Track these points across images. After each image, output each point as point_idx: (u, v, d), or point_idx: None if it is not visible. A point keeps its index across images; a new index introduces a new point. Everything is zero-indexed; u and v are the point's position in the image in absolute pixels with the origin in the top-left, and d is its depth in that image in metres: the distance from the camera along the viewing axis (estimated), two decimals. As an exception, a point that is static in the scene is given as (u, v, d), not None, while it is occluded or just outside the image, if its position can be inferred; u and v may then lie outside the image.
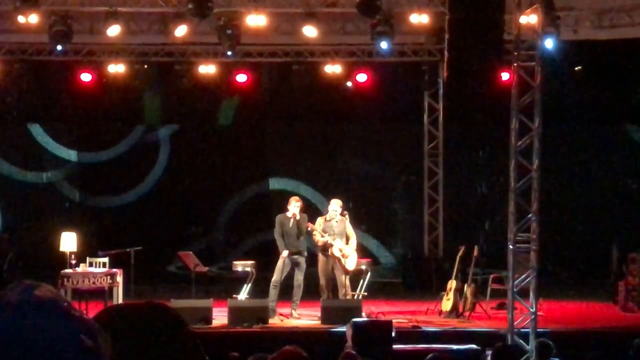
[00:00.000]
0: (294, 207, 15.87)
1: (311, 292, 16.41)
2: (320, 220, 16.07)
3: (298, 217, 15.82)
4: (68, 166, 23.94)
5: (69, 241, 16.77)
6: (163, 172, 24.07)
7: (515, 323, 13.91)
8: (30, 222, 23.37)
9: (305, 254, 16.13)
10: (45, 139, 23.77)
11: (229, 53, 19.00)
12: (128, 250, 16.76)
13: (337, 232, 15.94)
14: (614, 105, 22.65)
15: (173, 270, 22.48)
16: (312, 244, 16.38)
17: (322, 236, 15.84)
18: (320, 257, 16.11)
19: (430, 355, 5.33)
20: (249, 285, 16.36)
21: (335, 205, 16.12)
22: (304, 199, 16.29)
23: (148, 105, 22.91)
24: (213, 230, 24.03)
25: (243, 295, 16.26)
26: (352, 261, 15.95)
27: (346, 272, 15.94)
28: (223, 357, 9.82)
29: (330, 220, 16.02)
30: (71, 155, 23.96)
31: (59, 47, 18.72)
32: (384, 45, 18.96)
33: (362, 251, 16.58)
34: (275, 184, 24.20)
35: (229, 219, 24.18)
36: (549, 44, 17.71)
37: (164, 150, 24.08)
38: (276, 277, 15.86)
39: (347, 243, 15.98)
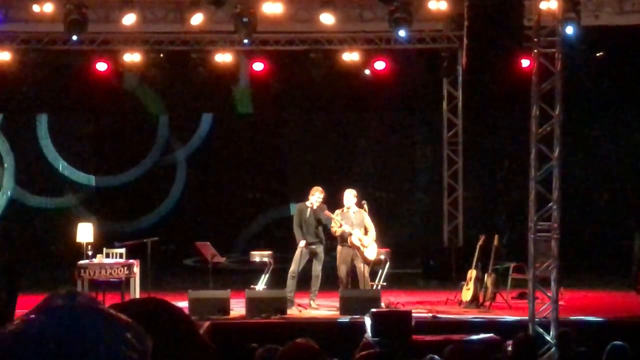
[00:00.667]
0: (317, 197, 15.75)
1: (330, 282, 16.28)
2: (337, 212, 15.92)
3: (315, 207, 15.68)
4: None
5: (85, 232, 16.66)
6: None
7: (536, 313, 13.74)
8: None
9: (324, 244, 15.98)
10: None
11: (245, 41, 18.83)
12: (145, 240, 16.63)
13: (355, 223, 15.79)
14: (637, 91, 22.38)
15: (190, 264, 22.43)
16: (331, 235, 16.19)
17: (341, 226, 15.68)
18: (340, 248, 15.96)
19: (450, 347, 5.14)
20: (267, 275, 16.23)
21: (350, 194, 15.98)
22: (322, 188, 16.08)
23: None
24: (231, 220, 23.97)
25: (261, 285, 16.14)
26: (372, 251, 15.80)
27: (366, 261, 15.79)
28: (241, 347, 9.70)
29: (347, 212, 15.88)
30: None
31: (74, 37, 18.61)
32: (402, 33, 18.79)
33: (381, 241, 16.40)
34: (293, 174, 24.04)
35: (246, 213, 24.10)
36: (570, 30, 17.49)
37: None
38: (294, 267, 15.74)
39: (365, 234, 15.83)
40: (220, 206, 24.22)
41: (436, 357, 6.37)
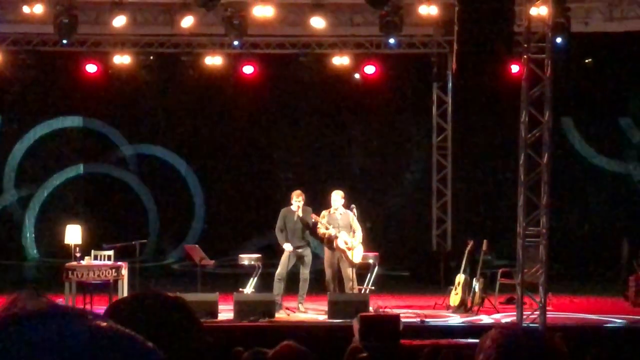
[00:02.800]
0: (297, 201, 15.71)
1: (318, 286, 16.27)
2: (324, 213, 15.89)
3: (301, 211, 15.65)
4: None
5: (73, 234, 16.62)
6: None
7: (524, 318, 13.75)
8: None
9: (311, 247, 15.96)
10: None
11: (236, 43, 18.81)
12: (133, 243, 16.60)
13: (342, 225, 15.76)
14: (626, 98, 22.45)
15: (175, 267, 22.46)
16: (319, 237, 16.17)
17: (327, 229, 15.67)
18: (326, 251, 15.94)
19: (442, 352, 5.15)
20: (255, 279, 16.21)
21: (337, 196, 15.94)
22: (309, 192, 16.05)
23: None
24: (219, 222, 23.96)
25: (249, 289, 16.12)
26: (358, 253, 15.79)
27: (352, 264, 15.77)
28: (229, 351, 9.67)
29: (334, 213, 15.85)
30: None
31: (64, 41, 18.59)
32: (392, 41, 18.88)
33: (369, 245, 16.39)
34: (281, 176, 24.03)
35: (235, 210, 24.08)
36: (560, 36, 17.53)
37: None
38: (281, 270, 15.72)
39: (352, 236, 15.81)
40: (209, 209, 24.21)
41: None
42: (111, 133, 23.97)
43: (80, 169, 24.12)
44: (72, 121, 23.93)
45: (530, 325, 13.44)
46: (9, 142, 23.61)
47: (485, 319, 15.48)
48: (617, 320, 15.50)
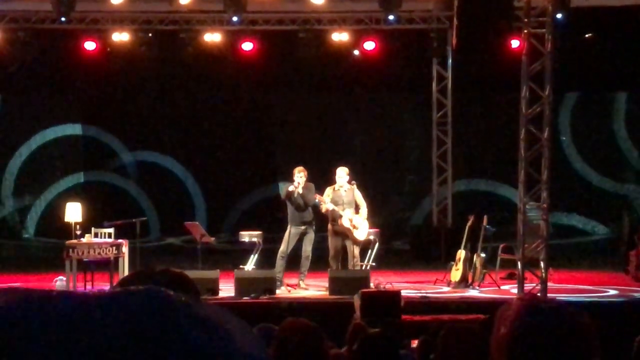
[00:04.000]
0: (298, 177, 15.63)
1: (320, 263, 16.26)
2: (328, 191, 15.83)
3: (301, 188, 15.56)
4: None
5: (74, 212, 16.60)
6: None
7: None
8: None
9: (314, 224, 15.91)
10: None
11: (235, 19, 18.69)
12: (134, 220, 16.58)
13: (347, 202, 15.70)
14: (626, 72, 22.38)
15: (177, 243, 22.46)
16: (322, 215, 16.12)
17: (331, 207, 15.61)
18: (330, 228, 15.89)
19: (445, 327, 5.13)
20: (256, 255, 16.21)
21: (342, 172, 15.84)
22: (308, 169, 15.95)
23: None
24: (216, 202, 23.97)
25: (250, 266, 16.12)
26: (362, 232, 15.75)
27: (356, 242, 15.76)
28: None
29: (338, 190, 15.79)
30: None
31: (63, 18, 18.51)
32: (391, 17, 18.82)
33: (370, 221, 16.36)
34: (281, 154, 24.02)
35: (236, 191, 24.08)
36: (560, 11, 17.45)
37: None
38: (283, 247, 15.70)
39: (357, 212, 15.77)
40: (208, 185, 24.22)
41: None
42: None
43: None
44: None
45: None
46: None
47: (485, 294, 15.50)
48: (612, 291, 15.54)
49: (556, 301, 2.29)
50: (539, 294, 13.71)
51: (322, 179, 16.36)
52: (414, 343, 8.11)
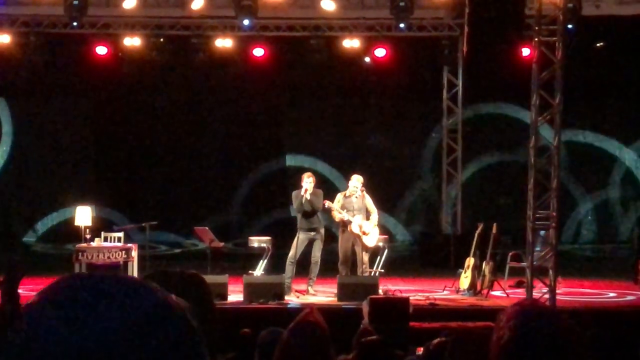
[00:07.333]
0: (306, 183, 15.65)
1: (329, 269, 16.26)
2: (339, 197, 15.86)
3: (309, 193, 15.58)
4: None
5: (83, 215, 16.65)
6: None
7: (534, 301, 13.72)
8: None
9: (322, 230, 15.92)
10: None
11: (245, 23, 18.67)
12: (143, 224, 16.62)
13: (357, 208, 15.72)
14: (637, 82, 22.35)
15: (186, 247, 22.48)
16: (331, 221, 16.14)
17: (340, 213, 15.65)
18: (340, 234, 15.92)
19: (453, 335, 5.14)
20: (265, 261, 16.22)
21: (356, 181, 15.86)
22: (320, 175, 15.99)
23: None
24: (229, 208, 23.96)
25: (259, 271, 16.13)
26: (372, 238, 15.77)
27: (366, 249, 15.78)
28: (237, 333, 9.69)
29: (350, 197, 15.80)
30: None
31: (75, 23, 18.57)
32: (402, 26, 18.82)
33: (380, 228, 16.36)
34: (291, 160, 24.07)
35: (245, 196, 24.08)
36: (571, 19, 17.46)
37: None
38: (292, 253, 15.71)
39: (367, 219, 15.79)
40: (212, 181, 24.20)
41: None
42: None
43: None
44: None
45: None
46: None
47: (494, 302, 15.47)
48: (619, 298, 15.51)
49: (550, 307, 2.33)
50: (540, 301, 13.70)
51: (331, 185, 16.38)
52: (419, 350, 8.11)
